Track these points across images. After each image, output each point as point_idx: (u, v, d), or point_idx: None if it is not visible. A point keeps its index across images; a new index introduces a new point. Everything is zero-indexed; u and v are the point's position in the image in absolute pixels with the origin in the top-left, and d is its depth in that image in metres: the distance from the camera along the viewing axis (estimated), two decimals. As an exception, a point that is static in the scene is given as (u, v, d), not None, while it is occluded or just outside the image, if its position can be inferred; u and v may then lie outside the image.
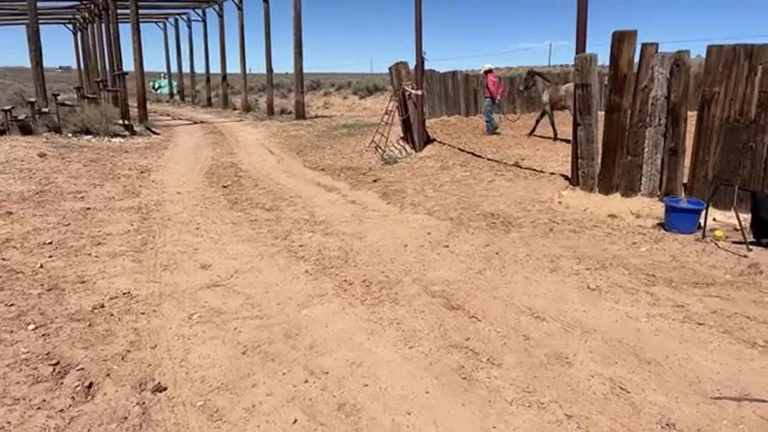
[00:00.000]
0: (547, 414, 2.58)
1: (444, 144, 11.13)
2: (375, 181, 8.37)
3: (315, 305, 3.85)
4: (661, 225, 5.44)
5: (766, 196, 4.97)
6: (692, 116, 5.84)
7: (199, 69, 32.23)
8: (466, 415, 2.59)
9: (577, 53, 6.69)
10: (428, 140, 11.29)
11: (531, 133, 12.32)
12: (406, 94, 10.93)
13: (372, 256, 4.86)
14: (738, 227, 4.85)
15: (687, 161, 6.02)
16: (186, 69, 33.68)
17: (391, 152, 10.88)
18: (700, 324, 3.43)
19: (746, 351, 3.11)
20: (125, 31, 17.01)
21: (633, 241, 5.06)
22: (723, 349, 3.14)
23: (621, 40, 6.16)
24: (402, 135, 11.90)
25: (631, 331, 3.36)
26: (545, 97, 12.11)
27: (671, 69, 5.89)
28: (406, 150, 11.07)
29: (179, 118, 21.59)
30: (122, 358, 3.10)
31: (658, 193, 6.15)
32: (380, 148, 11.01)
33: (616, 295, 3.89)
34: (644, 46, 6.06)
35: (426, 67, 11.66)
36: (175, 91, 36.99)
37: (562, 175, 7.56)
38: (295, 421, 2.55)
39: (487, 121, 13.15)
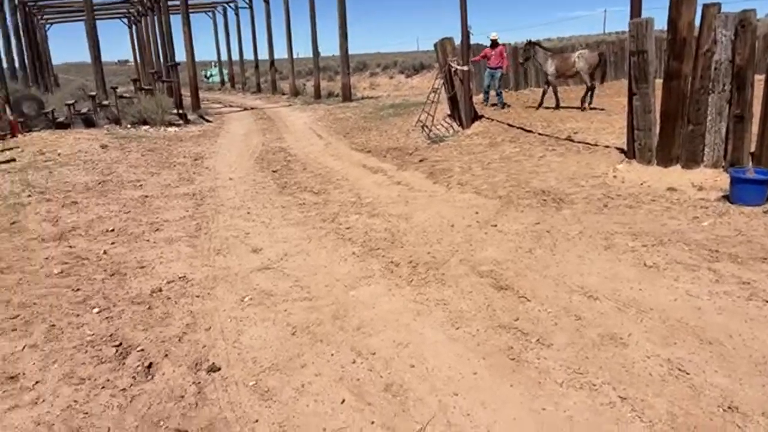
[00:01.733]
0: (600, 396, 2.51)
1: (492, 120, 10.88)
2: (421, 161, 8.30)
3: (362, 287, 3.88)
4: (726, 197, 5.12)
5: None
6: (759, 80, 5.43)
7: (248, 56, 32.79)
8: (514, 396, 2.56)
9: (631, 18, 6.33)
10: (476, 117, 11.06)
11: (539, 106, 12.01)
12: (452, 70, 10.72)
13: (418, 237, 4.84)
14: (812, 198, 4.51)
15: (754, 128, 5.62)
16: (235, 56, 34.35)
17: (438, 131, 10.74)
18: (767, 301, 3.22)
19: (820, 330, 2.90)
20: (177, 22, 17.45)
21: (694, 216, 4.80)
22: (794, 328, 2.94)
23: (680, 2, 5.77)
24: (449, 112, 11.71)
25: (692, 310, 3.20)
26: (551, 68, 11.77)
27: (736, 30, 5.48)
28: (453, 128, 10.90)
29: (230, 106, 22.10)
30: (179, 340, 3.23)
31: (723, 164, 5.79)
32: (426, 127, 10.89)
33: (675, 273, 3.71)
34: (705, 7, 5.66)
35: (472, 42, 11.41)
36: (225, 79, 37.83)
37: (618, 148, 7.23)
38: (343, 401, 2.59)
39: (496, 93, 12.80)
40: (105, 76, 15.82)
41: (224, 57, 36.32)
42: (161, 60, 22.33)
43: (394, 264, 4.25)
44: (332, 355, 3.00)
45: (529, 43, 12.39)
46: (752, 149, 5.66)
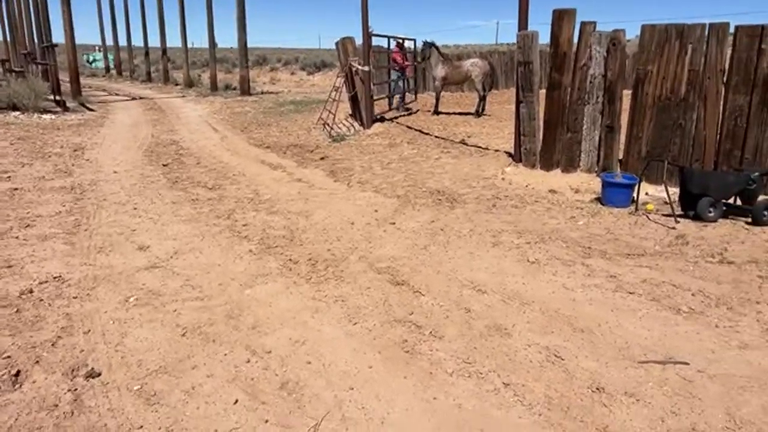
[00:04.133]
0: (486, 383, 2.66)
1: (392, 121, 11.12)
2: (322, 158, 8.28)
3: (258, 285, 3.80)
4: (598, 199, 5.65)
5: (693, 171, 5.24)
6: (628, 95, 6.05)
7: (137, 42, 30.69)
8: (407, 387, 2.64)
9: (519, 30, 6.77)
10: (376, 117, 11.23)
11: (435, 112, 12.39)
12: (353, 70, 10.80)
13: (318, 235, 4.83)
14: (667, 200, 5.10)
15: (622, 138, 6.25)
16: (123, 42, 32.02)
17: (339, 129, 10.77)
18: (630, 293, 3.60)
19: (672, 317, 3.29)
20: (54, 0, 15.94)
21: (571, 216, 5.23)
22: (651, 315, 3.31)
23: (561, 18, 6.28)
24: (350, 112, 11.79)
25: (567, 302, 3.49)
26: (440, 73, 12.10)
27: (608, 48, 6.06)
28: (354, 127, 10.99)
29: (116, 94, 20.58)
30: (52, 345, 2.96)
31: (596, 169, 6.37)
32: (328, 125, 10.88)
33: (554, 268, 4.03)
34: (583, 24, 6.20)
35: (374, 43, 11.57)
36: (111, 66, 35.17)
37: (506, 152, 7.71)
38: (236, 401, 2.52)
39: (401, 96, 13.25)
40: (-35, 53, 14.05)
41: (110, 42, 33.70)
42: (36, 40, 20.25)
43: (293, 262, 4.20)
44: (225, 355, 2.91)
45: (427, 44, 12.37)
46: (620, 156, 6.29)
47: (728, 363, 2.80)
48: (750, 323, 3.20)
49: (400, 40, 13.33)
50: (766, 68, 5.28)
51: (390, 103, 13.16)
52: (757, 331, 3.11)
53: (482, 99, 12.06)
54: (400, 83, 13.21)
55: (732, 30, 5.50)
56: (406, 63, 13.36)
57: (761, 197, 5.05)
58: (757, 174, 4.98)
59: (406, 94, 13.87)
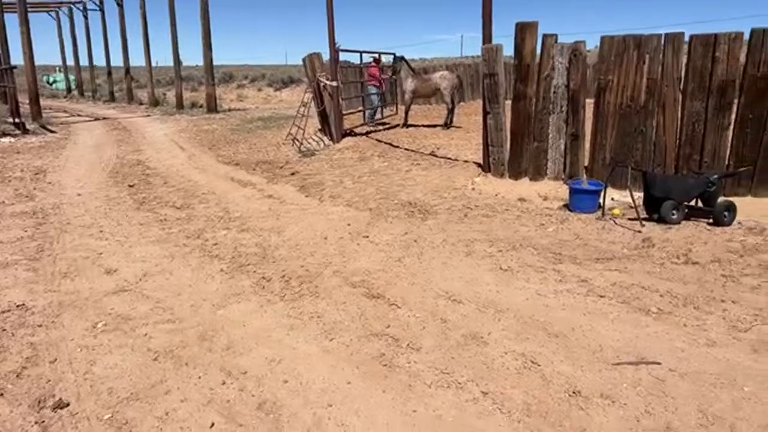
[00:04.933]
0: (465, 393, 2.66)
1: (361, 135, 11.15)
2: (293, 174, 8.24)
3: (231, 305, 3.74)
4: (566, 206, 5.76)
5: (655, 175, 5.39)
6: (590, 104, 6.21)
7: (99, 62, 30.16)
8: (387, 401, 2.62)
9: (483, 44, 6.91)
10: (346, 132, 11.26)
11: (404, 125, 12.46)
12: (321, 85, 10.82)
13: (291, 251, 4.78)
14: (632, 205, 5.23)
15: (587, 145, 6.41)
16: (84, 62, 31.39)
17: (309, 144, 10.75)
18: (601, 296, 3.67)
19: (642, 318, 3.36)
20: (12, 21, 15.58)
21: (541, 223, 5.32)
22: (622, 318, 3.38)
23: (523, 30, 6.43)
24: (320, 127, 11.79)
25: (541, 308, 3.54)
26: (410, 86, 12.22)
27: (570, 59, 6.23)
28: (324, 142, 10.98)
29: (78, 115, 20.12)
30: (17, 376, 2.85)
31: (563, 176, 6.51)
32: (297, 140, 10.85)
33: (526, 275, 4.08)
34: (545, 36, 6.37)
35: (342, 58, 11.62)
36: (72, 86, 34.40)
37: (475, 163, 7.81)
38: (212, 425, 2.46)
39: (374, 110, 13.37)
40: None
41: (71, 62, 33.00)
42: (-8, 62, 19.69)
43: (266, 279, 4.15)
44: (199, 378, 2.84)
45: (398, 58, 12.51)
46: (586, 163, 6.44)
47: (698, 361, 2.87)
48: (716, 321, 3.29)
49: (377, 55, 13.42)
50: (720, 75, 5.51)
51: (365, 117, 13.19)
52: (723, 328, 3.20)
53: (451, 111, 12.21)
54: (377, 98, 13.29)
55: (687, 39, 5.72)
56: (383, 77, 13.46)
57: (721, 199, 5.23)
58: (716, 177, 5.16)
59: (385, 108, 13.95)
